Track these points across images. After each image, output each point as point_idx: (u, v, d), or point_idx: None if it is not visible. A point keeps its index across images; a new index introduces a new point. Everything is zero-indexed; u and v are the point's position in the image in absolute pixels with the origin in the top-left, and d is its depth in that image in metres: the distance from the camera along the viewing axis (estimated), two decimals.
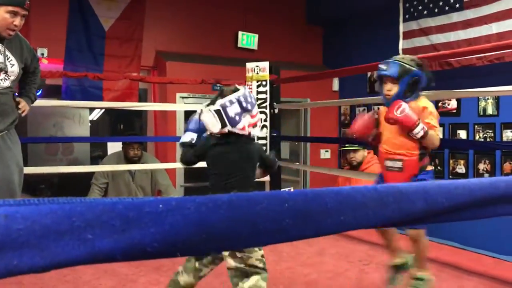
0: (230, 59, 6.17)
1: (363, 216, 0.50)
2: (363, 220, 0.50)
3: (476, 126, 4.99)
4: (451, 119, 5.27)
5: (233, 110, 2.11)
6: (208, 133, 2.23)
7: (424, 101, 2.45)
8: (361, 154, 4.58)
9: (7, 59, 2.51)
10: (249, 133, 2.19)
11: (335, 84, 6.89)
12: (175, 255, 0.43)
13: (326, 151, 6.82)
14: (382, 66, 2.44)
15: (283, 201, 0.46)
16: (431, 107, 2.43)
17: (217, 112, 2.11)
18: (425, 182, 0.57)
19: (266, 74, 4.83)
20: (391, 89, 2.40)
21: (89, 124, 6.39)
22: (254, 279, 2.13)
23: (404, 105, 2.29)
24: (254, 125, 2.20)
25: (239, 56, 6.19)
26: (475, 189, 0.57)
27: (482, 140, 4.89)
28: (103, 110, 6.92)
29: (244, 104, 2.12)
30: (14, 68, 2.53)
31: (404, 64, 2.36)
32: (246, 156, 2.23)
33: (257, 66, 4.86)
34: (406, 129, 2.32)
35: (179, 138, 6.32)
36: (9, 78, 2.52)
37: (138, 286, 2.65)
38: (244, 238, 0.44)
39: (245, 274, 2.15)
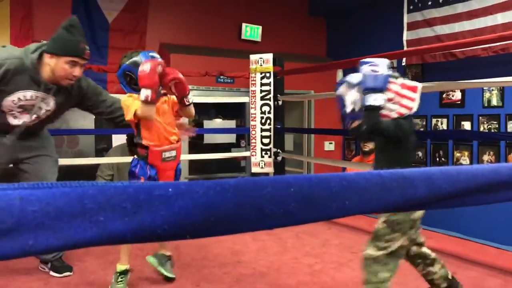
0: (233, 51, 6.17)
1: (367, 200, 0.51)
2: (367, 204, 0.51)
3: (480, 117, 4.98)
4: (455, 111, 5.26)
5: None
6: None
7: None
8: (373, 144, 4.58)
9: (45, 103, 2.56)
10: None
11: (339, 76, 6.87)
12: (184, 237, 0.44)
13: (330, 143, 6.82)
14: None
15: (288, 185, 0.47)
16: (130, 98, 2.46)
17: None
18: (429, 168, 0.58)
19: (269, 66, 4.83)
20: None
21: (94, 117, 6.40)
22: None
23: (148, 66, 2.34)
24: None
25: (242, 48, 6.19)
26: (478, 175, 0.58)
27: (487, 131, 4.88)
28: None
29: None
30: (48, 113, 2.60)
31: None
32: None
33: (260, 58, 4.85)
34: None
35: None
36: (39, 118, 2.60)
37: (144, 276, 2.67)
38: (250, 222, 0.45)
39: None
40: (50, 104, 2.57)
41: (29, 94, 2.48)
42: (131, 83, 2.43)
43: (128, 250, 2.54)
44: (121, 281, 2.45)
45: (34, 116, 2.56)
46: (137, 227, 0.41)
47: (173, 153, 2.56)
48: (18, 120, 2.53)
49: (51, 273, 2.69)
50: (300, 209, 0.47)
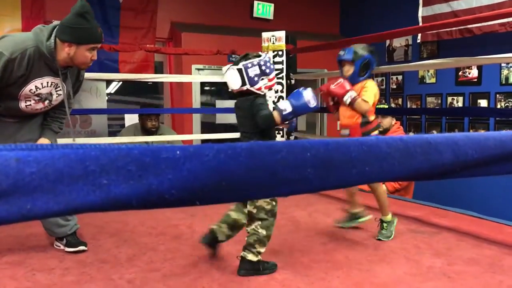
0: (245, 29, 6.09)
1: (389, 167, 0.48)
2: (389, 171, 0.48)
3: (497, 95, 4.87)
4: (472, 88, 5.16)
5: (253, 71, 2.41)
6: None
7: (369, 82, 3.00)
8: (389, 121, 4.50)
9: (57, 89, 2.58)
10: (264, 94, 2.51)
11: None
12: (194, 203, 0.42)
13: None
14: (340, 52, 3.01)
15: (304, 150, 0.44)
16: (370, 86, 2.97)
17: (239, 71, 2.41)
18: (455, 133, 0.54)
19: (282, 44, 4.76)
20: (348, 70, 2.96)
21: (106, 98, 6.41)
22: (254, 224, 2.44)
23: (341, 80, 2.93)
24: (270, 88, 2.53)
25: (254, 27, 6.11)
26: (507, 141, 0.54)
27: (503, 108, 4.78)
28: (119, 83, 6.94)
29: (263, 68, 2.43)
30: (59, 97, 2.62)
31: (357, 50, 2.95)
32: (246, 113, 2.48)
33: (273, 36, 4.78)
34: (338, 96, 2.94)
35: (196, 109, 6.32)
36: (50, 105, 2.62)
37: (158, 254, 2.68)
38: (264, 187, 0.42)
39: (250, 218, 2.47)
40: (60, 88, 2.58)
41: (45, 81, 2.49)
42: (363, 70, 2.96)
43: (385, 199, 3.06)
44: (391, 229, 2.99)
45: (46, 102, 2.58)
46: (143, 192, 0.38)
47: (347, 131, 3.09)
48: (31, 107, 2.55)
49: (66, 249, 2.72)
50: (317, 175, 0.44)
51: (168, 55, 5.93)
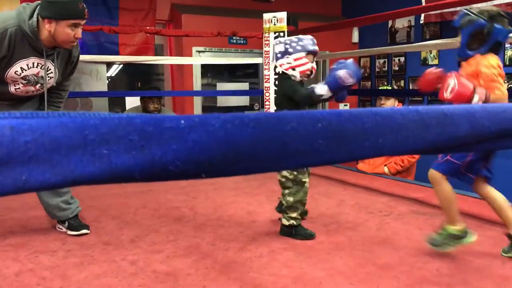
0: (246, 11, 6.01)
1: (403, 139, 0.46)
2: (403, 143, 0.46)
3: None
4: None
5: (278, 48, 2.63)
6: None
7: (488, 59, 2.19)
8: (392, 102, 4.46)
9: (47, 71, 2.47)
10: (300, 81, 2.65)
11: (355, 36, 6.70)
12: (200, 176, 0.40)
13: (345, 105, 6.71)
14: (455, 17, 2.37)
15: (316, 121, 0.42)
16: (488, 67, 2.17)
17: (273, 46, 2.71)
18: (471, 105, 0.51)
19: (283, 25, 4.70)
20: (458, 40, 2.34)
21: (107, 81, 6.37)
22: (284, 192, 2.67)
23: (451, 81, 2.14)
24: (294, 68, 2.60)
25: (255, 8, 6.03)
26: None
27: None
28: (120, 67, 6.88)
29: (287, 46, 2.59)
30: (51, 80, 2.52)
31: (469, 14, 2.23)
32: (279, 92, 2.72)
33: (274, 17, 4.72)
34: (464, 101, 2.10)
35: (197, 92, 6.27)
36: (43, 89, 2.52)
37: (160, 236, 2.68)
38: (274, 159, 0.40)
39: (281, 186, 2.69)
40: (51, 70, 2.49)
41: (31, 62, 2.39)
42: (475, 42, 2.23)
43: (456, 207, 2.36)
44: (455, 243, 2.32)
45: (38, 86, 2.49)
46: (146, 163, 0.36)
47: None
48: (21, 91, 2.47)
49: (69, 232, 2.71)
50: (329, 147, 0.42)
51: (168, 37, 5.87)
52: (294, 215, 2.64)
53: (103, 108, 6.03)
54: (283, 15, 4.68)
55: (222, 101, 6.29)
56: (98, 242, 2.60)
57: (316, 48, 2.70)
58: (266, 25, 4.77)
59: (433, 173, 2.36)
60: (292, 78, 2.62)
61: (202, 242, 2.59)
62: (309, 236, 2.64)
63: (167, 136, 0.36)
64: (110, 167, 0.35)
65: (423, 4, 5.32)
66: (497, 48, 2.22)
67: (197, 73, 5.92)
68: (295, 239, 2.61)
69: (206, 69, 6.26)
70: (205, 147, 0.37)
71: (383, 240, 2.61)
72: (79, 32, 2.35)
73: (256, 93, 6.18)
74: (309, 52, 2.64)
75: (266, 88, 4.86)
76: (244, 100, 6.41)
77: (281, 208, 2.77)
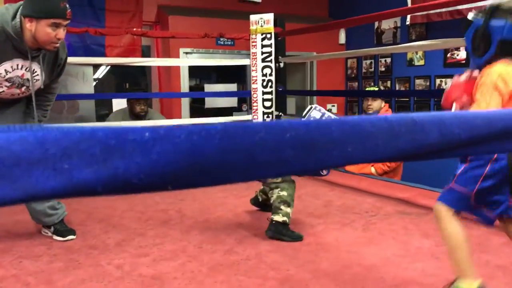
0: (234, 12, 6.01)
1: (373, 147, 0.46)
2: (373, 151, 0.46)
3: None
4: (460, 70, 5.13)
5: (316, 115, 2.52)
6: None
7: (497, 68, 1.73)
8: (379, 103, 4.47)
9: (33, 73, 2.42)
10: None
11: (342, 37, 6.73)
12: (166, 188, 0.40)
13: (333, 105, 6.74)
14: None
15: (283, 131, 0.42)
16: (490, 77, 1.71)
17: None
18: (442, 112, 0.52)
19: (270, 27, 4.70)
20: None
21: (94, 83, 6.33)
22: (274, 190, 2.72)
23: (451, 83, 1.92)
24: None
25: (243, 9, 6.03)
26: (496, 120, 0.53)
27: None
28: (107, 68, 6.84)
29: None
30: (37, 83, 2.46)
31: (472, 14, 1.89)
32: None
33: (261, 19, 4.71)
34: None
35: (184, 94, 6.23)
36: (29, 91, 2.47)
37: (146, 239, 2.67)
38: (241, 170, 0.40)
39: (269, 187, 2.77)
40: (37, 73, 2.43)
41: (15, 64, 2.34)
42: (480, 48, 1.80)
43: (468, 253, 1.82)
44: None
45: (24, 88, 2.44)
46: (109, 177, 0.36)
47: None
48: (5, 94, 2.42)
49: (55, 237, 2.69)
50: (297, 157, 0.42)
51: (155, 38, 5.85)
52: (288, 210, 2.68)
53: (90, 110, 5.98)
54: (270, 16, 4.68)
55: (210, 102, 6.28)
56: (84, 246, 2.58)
57: None
58: (253, 27, 4.76)
59: (437, 207, 1.87)
60: None
61: (189, 245, 2.58)
62: (298, 238, 2.65)
63: (130, 149, 0.36)
64: (72, 182, 0.34)
65: (409, 5, 5.36)
66: (509, 50, 1.75)
67: (184, 74, 5.90)
68: (283, 241, 2.61)
69: (194, 70, 6.24)
70: (170, 159, 0.37)
71: (369, 241, 2.63)
72: (61, 32, 2.27)
73: (244, 94, 6.18)
74: None
75: (253, 90, 4.86)
76: (232, 101, 6.40)
77: (256, 202, 2.93)
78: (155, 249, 2.53)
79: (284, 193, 2.71)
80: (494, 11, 1.78)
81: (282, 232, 2.64)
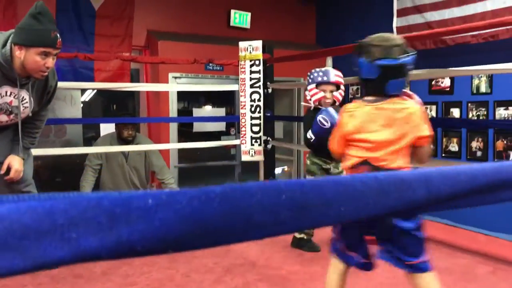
0: (222, 38, 6.09)
1: (364, 205, 0.48)
2: (364, 209, 0.48)
3: (469, 104, 4.97)
4: (445, 97, 5.25)
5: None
6: None
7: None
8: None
9: (22, 101, 2.42)
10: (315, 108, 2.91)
11: (329, 64, 6.82)
12: (166, 252, 0.41)
13: None
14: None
15: (279, 192, 0.44)
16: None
17: None
18: (427, 169, 0.54)
19: (259, 54, 4.77)
20: None
21: (81, 105, 6.32)
22: None
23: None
24: (310, 98, 2.99)
25: (231, 35, 6.11)
26: (479, 175, 0.55)
27: (475, 118, 4.89)
28: (95, 91, 6.84)
29: (308, 78, 3.05)
30: (26, 110, 2.45)
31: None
32: None
33: (250, 45, 4.79)
34: None
35: (173, 118, 6.24)
36: (17, 118, 2.45)
37: (134, 268, 2.64)
38: (239, 232, 0.42)
39: None
40: (26, 100, 2.43)
41: (4, 90, 2.34)
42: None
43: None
44: None
45: (12, 116, 2.43)
46: (113, 243, 0.37)
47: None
48: None
49: None
50: (293, 218, 0.44)
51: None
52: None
53: (77, 133, 5.96)
54: (258, 43, 4.76)
55: (199, 126, 6.30)
56: (70, 275, 2.55)
57: (326, 78, 2.97)
58: (242, 53, 4.83)
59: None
60: (311, 108, 2.95)
61: (177, 273, 2.57)
62: (316, 249, 2.97)
63: (134, 217, 0.38)
64: (78, 250, 0.36)
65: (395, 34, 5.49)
66: (373, 86, 1.77)
67: (173, 98, 5.92)
68: (304, 251, 2.97)
69: (182, 94, 6.27)
70: (171, 225, 0.39)
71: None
72: (50, 61, 2.27)
73: (232, 119, 6.22)
74: (320, 83, 2.96)
75: (242, 115, 4.90)
76: (220, 126, 6.43)
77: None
78: (143, 278, 2.51)
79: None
80: (362, 47, 1.79)
81: (301, 244, 3.02)
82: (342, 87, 3.03)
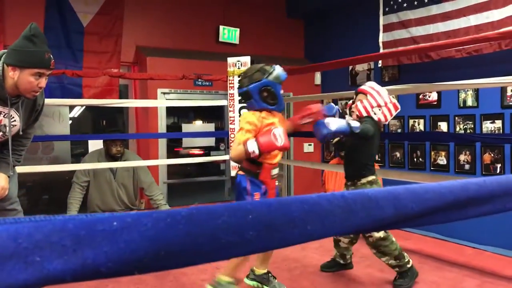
0: (211, 53, 6.13)
1: (331, 224, 0.49)
2: (331, 228, 0.49)
3: (456, 117, 5.03)
4: (432, 111, 5.31)
5: None
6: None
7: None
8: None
9: (11, 120, 2.42)
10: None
11: (317, 78, 6.89)
12: (132, 273, 0.42)
13: (310, 144, 6.83)
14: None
15: (246, 213, 0.44)
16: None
17: None
18: (395, 187, 0.55)
19: None
20: None
21: (70, 122, 6.30)
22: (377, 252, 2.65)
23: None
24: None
25: (220, 51, 6.15)
26: (446, 193, 0.57)
27: (463, 131, 4.94)
28: (83, 107, 6.83)
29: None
30: (14, 128, 2.46)
31: None
32: None
33: (238, 61, 4.83)
34: None
35: (161, 134, 6.22)
36: (5, 137, 2.46)
37: (120, 286, 2.62)
38: (205, 253, 0.43)
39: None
40: (15, 119, 2.43)
41: None
42: (267, 98, 2.47)
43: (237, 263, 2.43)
44: None
45: (0, 134, 2.42)
46: (78, 266, 0.38)
47: (277, 170, 2.68)
48: None
49: None
50: (259, 237, 0.45)
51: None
52: (400, 261, 2.62)
53: (65, 150, 5.93)
54: (246, 59, 4.79)
55: (188, 141, 6.30)
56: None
57: None
58: (230, 69, 4.86)
59: None
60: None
61: None
62: (413, 274, 2.64)
63: (99, 239, 0.38)
64: (42, 273, 0.36)
65: (381, 48, 5.57)
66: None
67: (162, 113, 5.93)
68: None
69: (172, 110, 6.28)
70: (136, 247, 0.39)
71: (345, 284, 2.63)
72: (42, 81, 2.31)
73: (221, 135, 6.23)
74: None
75: (231, 130, 4.91)
76: (209, 141, 6.44)
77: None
78: None
79: (386, 249, 2.63)
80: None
81: (405, 276, 2.66)
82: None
